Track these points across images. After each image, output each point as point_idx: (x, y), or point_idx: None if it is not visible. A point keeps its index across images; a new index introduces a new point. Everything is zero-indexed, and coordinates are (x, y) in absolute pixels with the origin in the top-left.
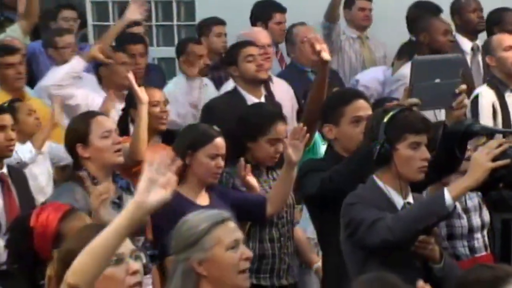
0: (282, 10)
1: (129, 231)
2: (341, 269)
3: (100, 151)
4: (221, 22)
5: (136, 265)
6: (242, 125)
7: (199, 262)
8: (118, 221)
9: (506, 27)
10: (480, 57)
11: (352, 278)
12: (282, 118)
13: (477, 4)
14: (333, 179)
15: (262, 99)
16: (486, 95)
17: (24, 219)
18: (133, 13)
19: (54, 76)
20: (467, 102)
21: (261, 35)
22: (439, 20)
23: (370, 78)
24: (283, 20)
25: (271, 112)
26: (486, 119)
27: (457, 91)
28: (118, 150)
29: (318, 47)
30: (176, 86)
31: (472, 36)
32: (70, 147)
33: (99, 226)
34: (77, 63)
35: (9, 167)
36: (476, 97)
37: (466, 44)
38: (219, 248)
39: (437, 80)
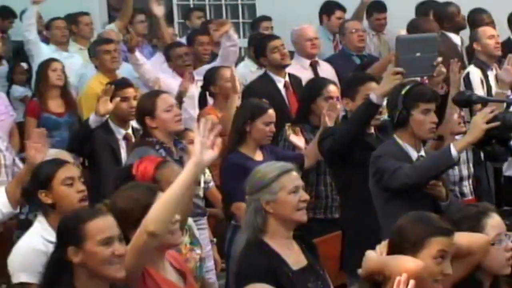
0: (343, 9)
1: (192, 184)
2: (354, 207)
3: (164, 122)
4: (268, 19)
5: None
6: (312, 93)
7: (267, 202)
8: (183, 177)
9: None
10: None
11: (379, 213)
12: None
13: (458, 8)
14: (338, 136)
15: (286, 78)
16: (475, 72)
17: (127, 168)
18: (158, 9)
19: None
20: (444, 70)
21: (309, 30)
22: (426, 20)
23: None
24: (342, 16)
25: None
26: (478, 89)
27: (434, 63)
28: (179, 120)
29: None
30: (245, 68)
31: (457, 32)
32: (140, 119)
33: (147, 187)
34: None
35: (133, 128)
36: (467, 73)
37: (455, 38)
38: (283, 192)
39: (418, 54)
